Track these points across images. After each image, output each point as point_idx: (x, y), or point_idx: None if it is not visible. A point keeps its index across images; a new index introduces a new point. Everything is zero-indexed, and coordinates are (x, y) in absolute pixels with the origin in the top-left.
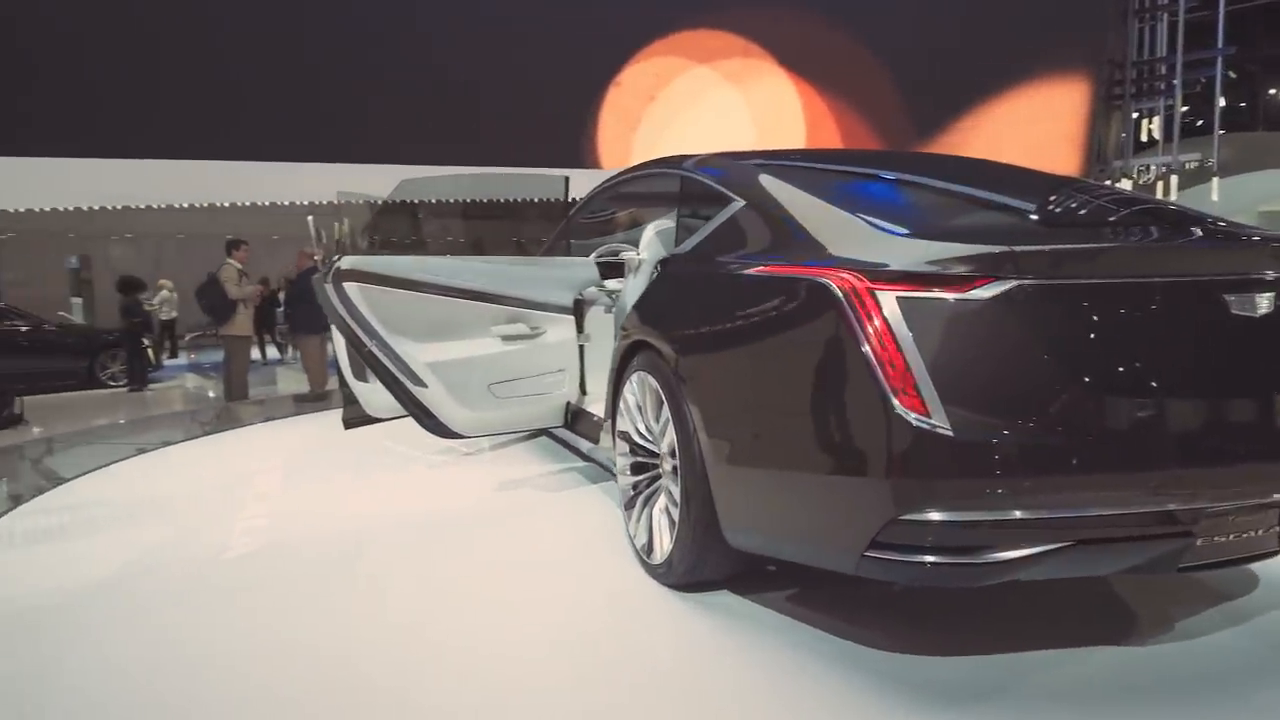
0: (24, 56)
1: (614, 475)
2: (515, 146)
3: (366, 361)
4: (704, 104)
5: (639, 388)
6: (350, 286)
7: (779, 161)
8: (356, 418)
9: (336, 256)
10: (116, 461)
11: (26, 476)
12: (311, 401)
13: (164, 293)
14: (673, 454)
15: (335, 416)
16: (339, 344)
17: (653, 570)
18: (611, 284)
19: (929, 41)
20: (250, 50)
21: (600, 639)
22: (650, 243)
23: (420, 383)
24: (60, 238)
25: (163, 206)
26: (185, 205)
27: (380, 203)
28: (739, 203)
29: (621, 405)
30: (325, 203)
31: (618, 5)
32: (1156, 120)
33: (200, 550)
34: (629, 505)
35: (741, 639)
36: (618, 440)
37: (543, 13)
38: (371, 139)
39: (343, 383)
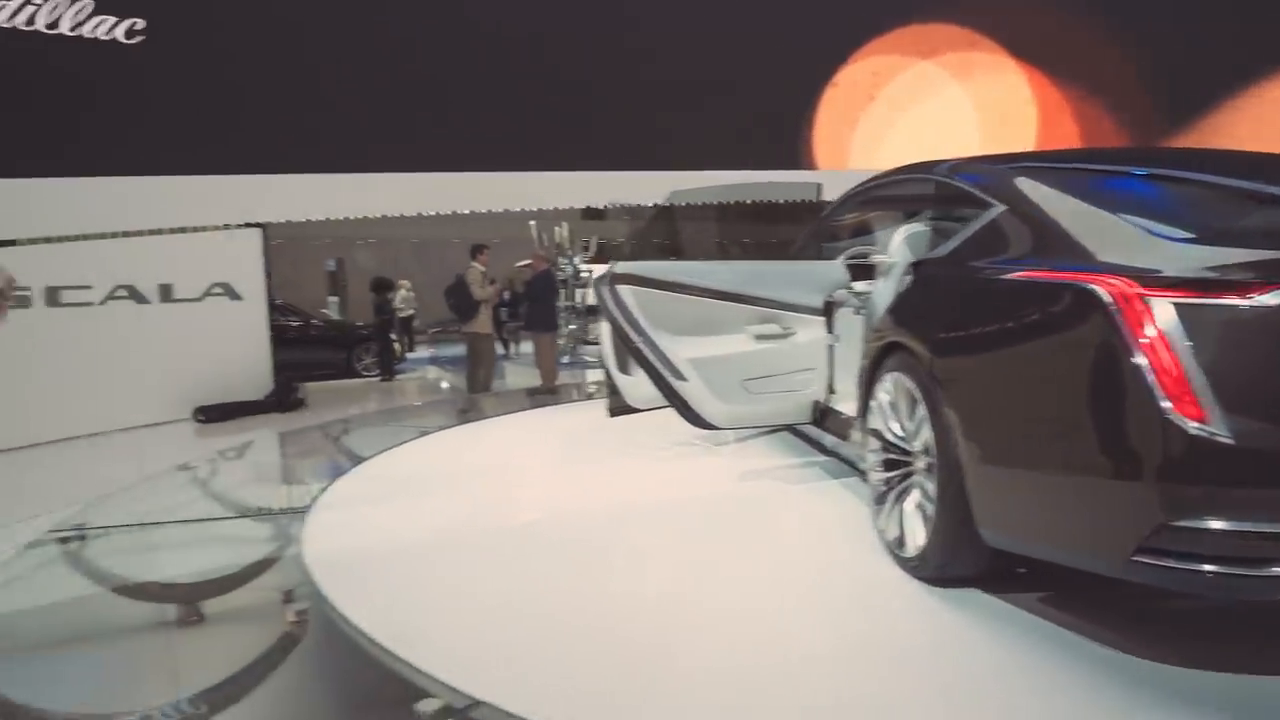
0: (309, 79)
1: (858, 471)
2: (729, 149)
3: (634, 356)
4: (927, 102)
5: (893, 387)
6: (623, 288)
7: (1036, 164)
8: (620, 407)
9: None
10: (403, 443)
11: (332, 453)
12: (545, 395)
13: (403, 292)
14: (927, 452)
15: (576, 409)
16: (604, 339)
17: (904, 563)
18: (860, 286)
19: (1180, 24)
20: (480, 63)
21: (850, 620)
22: (901, 246)
23: (681, 377)
24: (318, 243)
25: (399, 215)
26: (418, 214)
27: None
28: (998, 207)
29: (874, 404)
30: (551, 209)
31: (834, 3)
32: None
33: (496, 519)
34: (879, 500)
35: (992, 632)
36: (868, 437)
37: (757, 14)
38: (589, 144)
39: (608, 375)
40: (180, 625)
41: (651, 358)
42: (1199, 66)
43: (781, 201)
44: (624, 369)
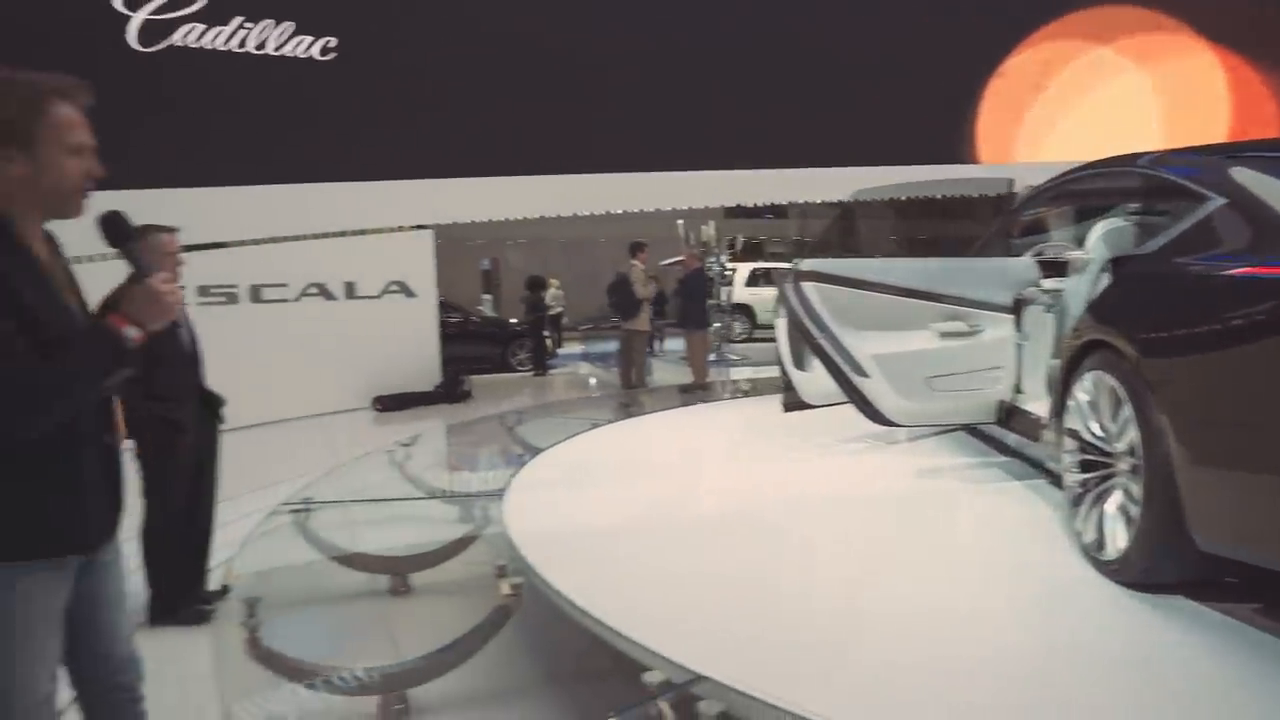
0: (473, 89)
1: (1045, 472)
2: (889, 142)
3: (815, 352)
4: (1103, 90)
5: (1093, 387)
6: (807, 285)
7: (1250, 153)
8: (794, 403)
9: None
10: (577, 434)
11: (510, 443)
12: (696, 391)
13: (553, 290)
14: (1132, 453)
15: (733, 405)
16: (780, 335)
17: (1103, 566)
18: (1049, 283)
19: None
20: (624, 63)
21: (1041, 620)
22: (1098, 243)
23: (863, 373)
24: (472, 244)
25: (553, 216)
26: (573, 214)
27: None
28: (1214, 200)
29: (1071, 403)
30: (703, 207)
31: None
32: None
33: (682, 506)
34: (1076, 501)
35: (1198, 642)
36: (1064, 438)
37: (921, 3)
38: (742, 142)
39: (783, 371)
40: (397, 594)
41: (833, 354)
42: None
43: (972, 196)
44: (800, 365)
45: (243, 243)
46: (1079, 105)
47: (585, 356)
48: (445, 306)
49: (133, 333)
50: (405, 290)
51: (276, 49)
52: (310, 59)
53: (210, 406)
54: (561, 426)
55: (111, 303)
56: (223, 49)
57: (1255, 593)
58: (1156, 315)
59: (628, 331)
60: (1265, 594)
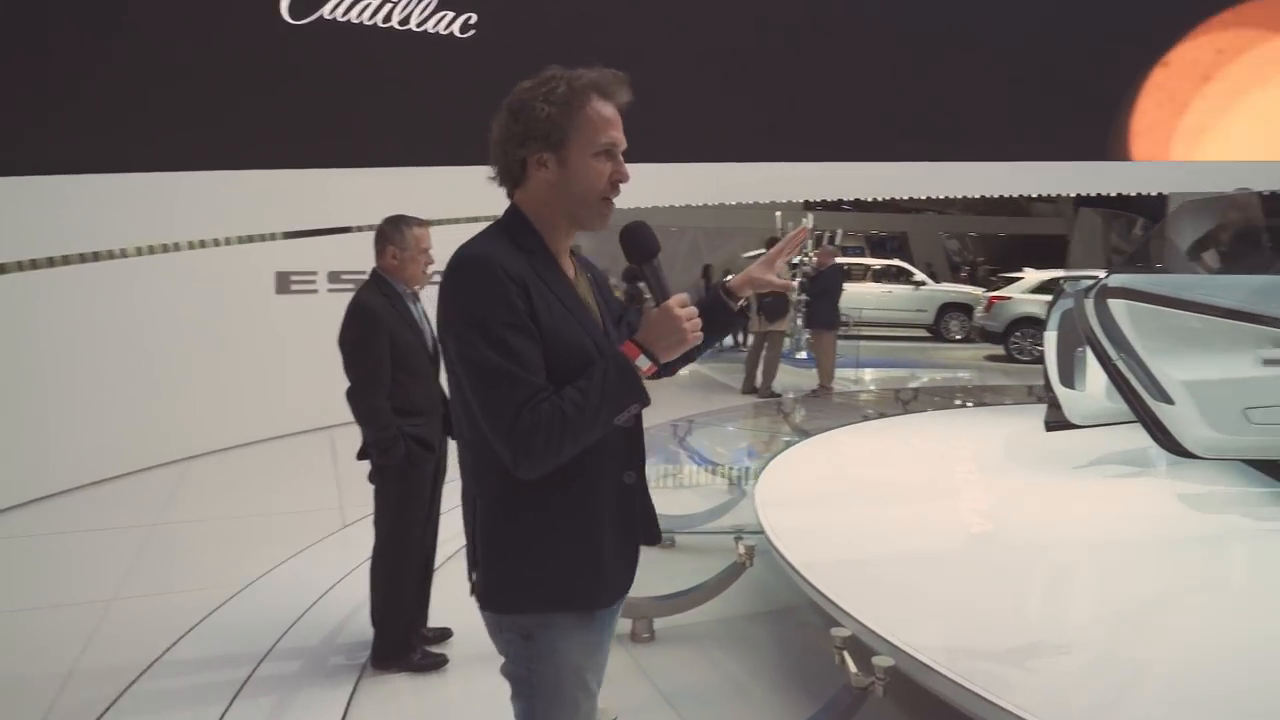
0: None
1: None
2: (1033, 136)
3: (1109, 374)
4: (1276, 84)
5: None
6: (1115, 303)
7: None
8: (1058, 421)
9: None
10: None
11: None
12: (823, 395)
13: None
14: None
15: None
16: (1049, 351)
17: None
18: None
19: None
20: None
21: None
22: None
23: (1167, 399)
24: None
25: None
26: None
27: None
28: None
29: None
30: (818, 200)
31: None
32: None
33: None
34: None
35: None
36: None
37: None
38: (896, 135)
39: (1048, 386)
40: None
41: (1131, 376)
42: None
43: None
44: (1069, 383)
45: (370, 227)
46: (1248, 97)
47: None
48: None
49: (644, 363)
50: None
51: (418, 25)
52: (451, 35)
53: (449, 419)
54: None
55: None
56: (367, 23)
57: None
58: None
59: (769, 333)
60: None
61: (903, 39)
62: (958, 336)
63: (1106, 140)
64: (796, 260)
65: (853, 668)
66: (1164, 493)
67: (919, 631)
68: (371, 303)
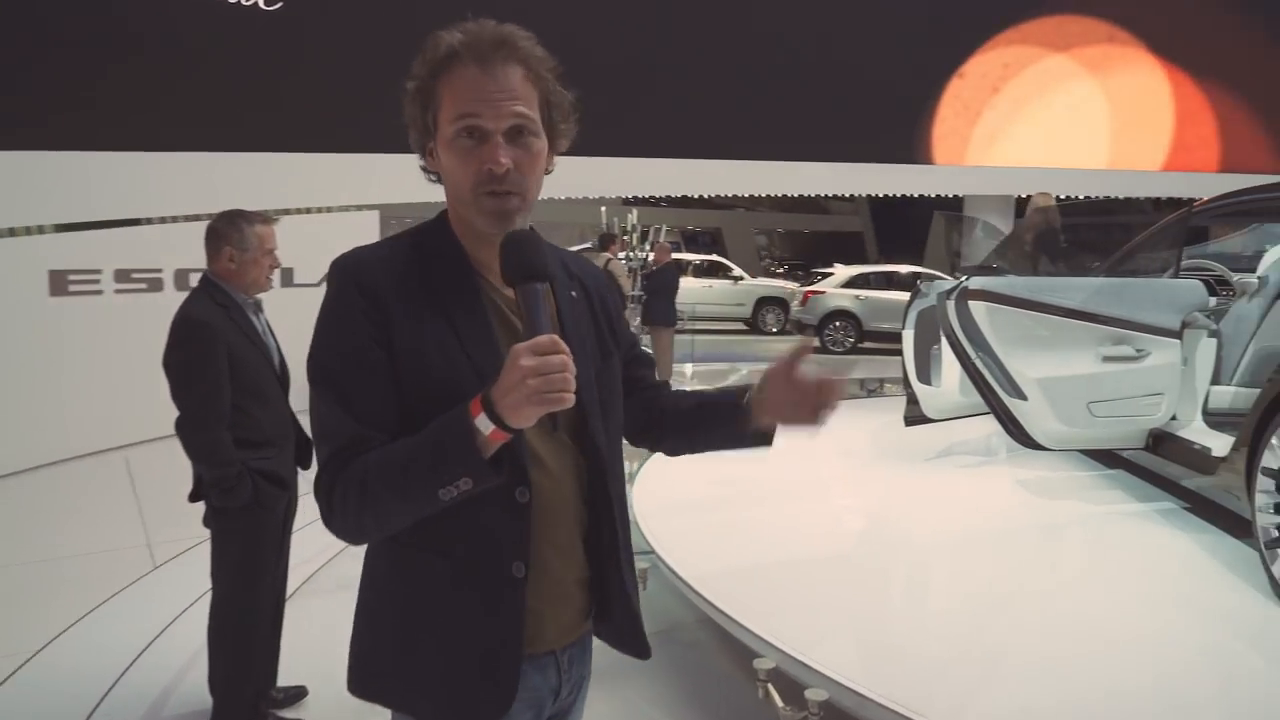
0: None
1: (1206, 503)
2: (842, 139)
3: (968, 372)
4: (1055, 96)
5: None
6: (976, 304)
7: None
8: (916, 416)
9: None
10: None
11: None
12: None
13: None
14: None
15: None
16: (906, 349)
17: None
18: (1215, 306)
19: None
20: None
21: (1237, 673)
22: (1278, 266)
23: (1021, 395)
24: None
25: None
26: None
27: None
28: None
29: (1275, 442)
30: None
31: None
32: None
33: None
34: (1273, 544)
35: None
36: (1260, 477)
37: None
38: (683, 129)
39: (906, 383)
40: None
41: (988, 375)
42: None
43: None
44: (925, 379)
45: (163, 219)
46: (1031, 108)
47: None
48: None
49: (484, 425)
50: None
51: None
52: (255, 7)
53: (303, 449)
54: None
55: None
56: None
57: None
58: None
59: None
60: None
61: (720, 41)
62: (774, 330)
63: (912, 144)
64: (623, 256)
65: (779, 701)
66: (1007, 480)
67: (830, 650)
68: (204, 315)
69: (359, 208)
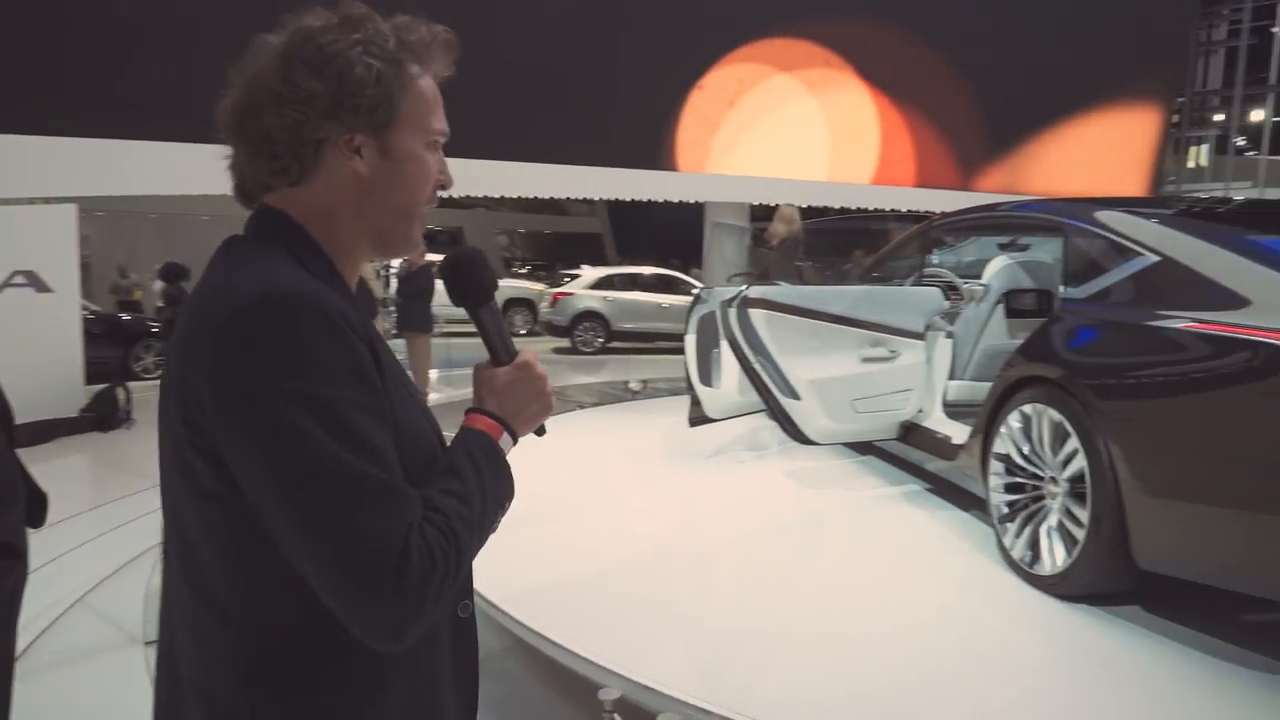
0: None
1: (946, 485)
2: (592, 144)
3: (748, 375)
4: (782, 112)
5: (1035, 418)
6: (755, 312)
7: (1178, 211)
8: (699, 417)
9: (745, 285)
10: None
11: None
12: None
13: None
14: (1075, 480)
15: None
16: (689, 350)
17: (1037, 580)
18: (951, 309)
19: (1008, 60)
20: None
21: (978, 630)
22: (998, 276)
23: (795, 396)
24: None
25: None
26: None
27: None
28: (1149, 257)
29: (1004, 430)
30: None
31: (710, 7)
32: (1204, 148)
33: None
34: (1004, 520)
35: (1126, 645)
36: (992, 461)
37: (632, 9)
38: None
39: (690, 385)
40: None
41: (766, 377)
42: (1024, 98)
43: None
44: (707, 381)
45: None
46: (762, 122)
47: None
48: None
49: (507, 444)
50: (35, 283)
51: None
52: None
53: (34, 505)
54: None
55: None
56: None
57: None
58: (1107, 359)
59: None
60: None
61: (464, 42)
62: (522, 331)
63: (658, 150)
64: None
65: None
66: (778, 473)
67: (657, 663)
68: None
69: (51, 200)
